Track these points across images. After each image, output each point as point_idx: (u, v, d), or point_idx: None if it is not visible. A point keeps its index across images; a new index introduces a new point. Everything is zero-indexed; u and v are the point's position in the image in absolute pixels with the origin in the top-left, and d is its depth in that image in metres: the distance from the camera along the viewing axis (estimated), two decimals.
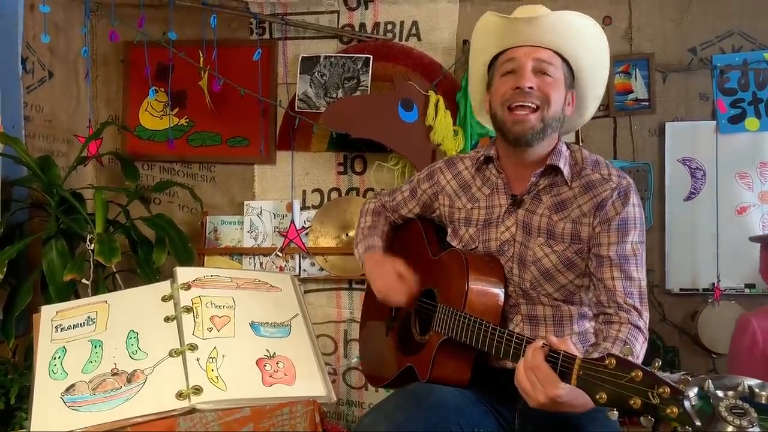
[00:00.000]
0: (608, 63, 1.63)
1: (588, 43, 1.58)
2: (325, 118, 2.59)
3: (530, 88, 1.52)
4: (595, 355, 1.38)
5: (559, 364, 1.21)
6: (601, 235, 1.52)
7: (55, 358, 1.55)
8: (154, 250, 2.39)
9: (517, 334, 1.39)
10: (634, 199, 1.54)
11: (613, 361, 1.11)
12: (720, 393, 1.71)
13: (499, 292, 1.58)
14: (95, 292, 2.17)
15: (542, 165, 1.58)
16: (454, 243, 1.72)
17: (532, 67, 1.54)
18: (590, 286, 1.57)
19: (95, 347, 1.57)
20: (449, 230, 1.75)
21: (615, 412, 1.10)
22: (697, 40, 2.57)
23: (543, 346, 1.25)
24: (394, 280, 1.70)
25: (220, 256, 2.75)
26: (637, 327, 1.46)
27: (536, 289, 1.58)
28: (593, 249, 1.53)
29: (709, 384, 1.73)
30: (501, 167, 1.66)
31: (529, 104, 1.52)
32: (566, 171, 1.57)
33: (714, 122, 2.56)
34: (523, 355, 1.30)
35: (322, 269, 2.71)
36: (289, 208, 2.72)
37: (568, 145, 1.64)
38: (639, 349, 1.44)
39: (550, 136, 1.57)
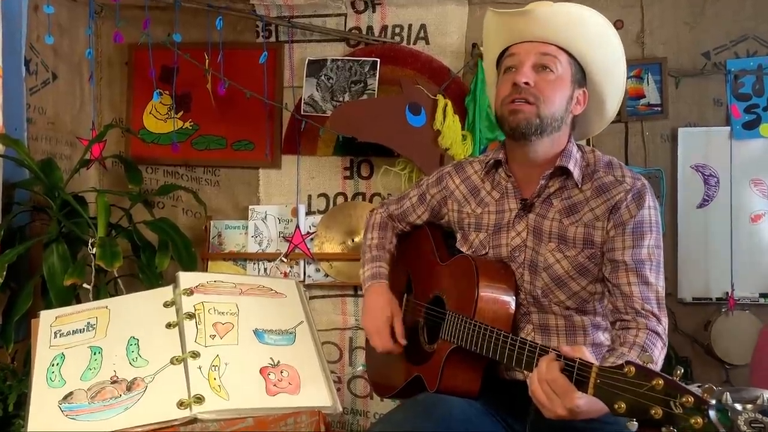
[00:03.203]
0: (622, 55, 1.56)
1: (592, 34, 1.51)
2: (331, 122, 2.56)
3: (525, 83, 1.48)
4: (611, 359, 1.34)
5: (575, 372, 1.17)
6: (616, 239, 1.47)
7: (53, 365, 1.50)
8: (157, 254, 2.35)
9: (531, 342, 1.34)
10: (650, 201, 1.48)
11: (633, 369, 1.06)
12: (738, 406, 1.66)
13: (511, 299, 1.53)
14: (96, 297, 2.13)
15: (551, 167, 1.54)
16: (463, 249, 1.68)
17: (534, 63, 1.50)
18: (605, 292, 1.52)
19: (95, 354, 1.53)
20: (458, 236, 1.71)
21: (635, 422, 1.05)
22: (710, 44, 2.53)
23: (558, 358, 1.21)
24: (383, 326, 1.69)
25: (224, 261, 2.72)
26: (656, 332, 1.41)
27: (548, 297, 1.53)
28: (608, 254, 1.48)
29: (728, 397, 1.68)
30: (510, 171, 1.61)
31: (524, 100, 1.48)
32: (576, 173, 1.52)
33: (728, 128, 2.51)
34: (536, 366, 1.25)
35: (327, 275, 2.67)
36: (295, 212, 2.69)
37: (580, 147, 1.59)
38: (658, 355, 1.38)
39: (551, 134, 1.52)
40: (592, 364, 1.15)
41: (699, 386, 1.96)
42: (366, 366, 2.03)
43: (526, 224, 1.57)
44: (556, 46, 1.50)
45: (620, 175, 1.52)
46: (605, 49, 1.54)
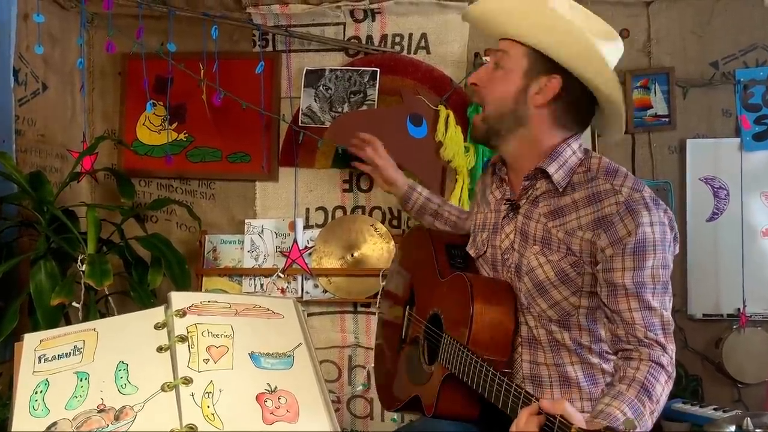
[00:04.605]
0: (587, 30, 1.40)
1: (533, 14, 1.43)
2: (330, 133, 2.49)
3: (473, 84, 1.53)
4: (606, 399, 1.26)
5: (555, 431, 1.10)
6: (615, 259, 1.34)
7: (36, 393, 1.41)
8: (150, 271, 2.28)
9: (516, 386, 1.27)
10: (652, 216, 1.35)
11: None
12: None
13: (508, 326, 1.47)
14: (86, 317, 2.06)
15: (533, 168, 1.48)
16: (471, 251, 1.66)
17: (494, 62, 1.49)
18: (601, 315, 1.44)
19: (81, 380, 1.44)
20: (471, 238, 1.68)
21: None
22: (719, 53, 2.47)
23: (539, 413, 1.14)
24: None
25: (219, 276, 2.64)
26: (659, 364, 1.30)
27: (530, 305, 1.47)
28: (605, 275, 1.37)
29: (748, 422, 1.62)
30: (507, 172, 1.59)
31: (476, 102, 1.52)
32: (559, 176, 1.43)
33: (737, 139, 2.45)
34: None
35: (325, 291, 2.60)
36: (292, 226, 2.61)
37: (586, 150, 1.49)
38: (660, 392, 1.28)
39: (515, 133, 1.47)
40: (572, 424, 1.07)
41: (715, 409, 1.88)
42: (365, 386, 1.99)
43: (514, 226, 1.52)
44: (510, 40, 1.46)
45: (619, 183, 1.40)
46: (557, 28, 1.40)
